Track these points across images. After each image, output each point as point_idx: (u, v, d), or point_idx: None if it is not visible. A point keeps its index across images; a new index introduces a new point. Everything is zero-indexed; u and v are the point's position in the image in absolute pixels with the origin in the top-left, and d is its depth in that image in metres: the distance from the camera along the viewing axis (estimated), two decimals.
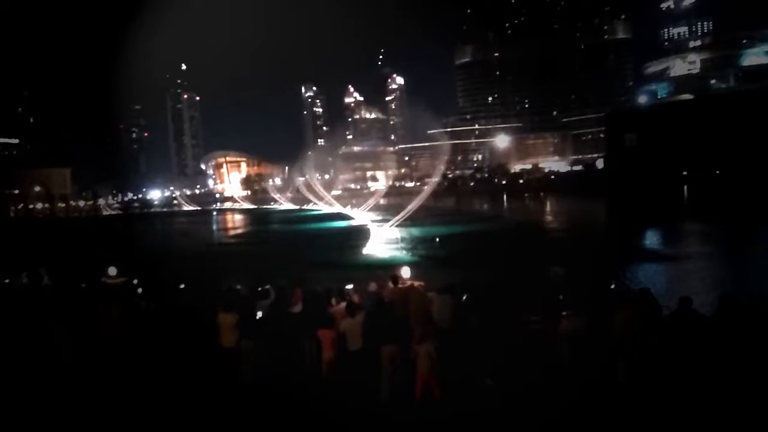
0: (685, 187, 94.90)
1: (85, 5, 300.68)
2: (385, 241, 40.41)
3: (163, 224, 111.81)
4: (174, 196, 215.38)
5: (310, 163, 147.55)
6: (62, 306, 13.17)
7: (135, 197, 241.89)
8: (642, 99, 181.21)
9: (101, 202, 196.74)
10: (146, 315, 13.52)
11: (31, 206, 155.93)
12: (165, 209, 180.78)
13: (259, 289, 13.79)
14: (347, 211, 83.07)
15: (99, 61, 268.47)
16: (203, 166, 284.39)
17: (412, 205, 50.17)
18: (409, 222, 48.03)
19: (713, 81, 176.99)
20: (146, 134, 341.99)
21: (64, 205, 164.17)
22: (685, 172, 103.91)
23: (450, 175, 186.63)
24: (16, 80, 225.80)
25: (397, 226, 46.23)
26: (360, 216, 71.20)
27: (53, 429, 9.52)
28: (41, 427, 9.53)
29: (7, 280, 16.63)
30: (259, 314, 12.01)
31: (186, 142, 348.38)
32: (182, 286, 15.31)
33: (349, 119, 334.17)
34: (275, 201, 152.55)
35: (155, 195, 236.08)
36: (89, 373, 11.20)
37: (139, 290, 15.42)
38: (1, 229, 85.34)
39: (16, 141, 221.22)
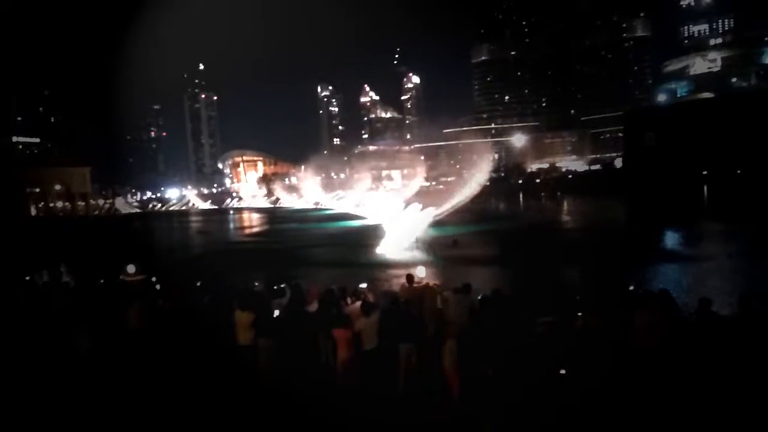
0: (705, 186, 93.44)
1: (103, 6, 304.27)
2: (400, 240, 40.20)
3: (176, 223, 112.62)
4: (188, 195, 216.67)
5: (324, 162, 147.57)
6: (81, 303, 13.35)
7: (154, 196, 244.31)
8: (661, 98, 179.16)
9: (120, 200, 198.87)
10: (164, 312, 13.66)
11: (51, 204, 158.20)
12: (182, 208, 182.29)
13: (275, 287, 13.88)
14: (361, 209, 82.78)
15: (118, 62, 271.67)
16: (220, 165, 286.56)
17: (452, 203, 48.98)
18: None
19: (734, 79, 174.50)
20: (164, 134, 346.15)
21: (83, 203, 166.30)
22: (705, 172, 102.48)
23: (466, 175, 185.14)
24: (37, 80, 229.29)
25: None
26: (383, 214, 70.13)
27: (70, 423, 9.66)
28: (59, 420, 9.67)
29: (28, 277, 16.95)
30: (276, 313, 12.06)
31: (203, 141, 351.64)
32: (199, 283, 15.47)
33: (365, 118, 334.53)
34: (282, 200, 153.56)
35: (173, 194, 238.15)
36: (107, 370, 11.31)
37: (157, 287, 15.61)
38: (22, 227, 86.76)
39: (38, 140, 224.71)
